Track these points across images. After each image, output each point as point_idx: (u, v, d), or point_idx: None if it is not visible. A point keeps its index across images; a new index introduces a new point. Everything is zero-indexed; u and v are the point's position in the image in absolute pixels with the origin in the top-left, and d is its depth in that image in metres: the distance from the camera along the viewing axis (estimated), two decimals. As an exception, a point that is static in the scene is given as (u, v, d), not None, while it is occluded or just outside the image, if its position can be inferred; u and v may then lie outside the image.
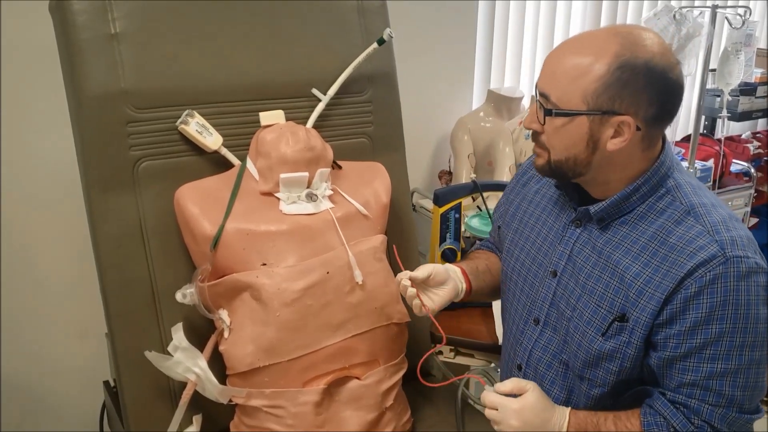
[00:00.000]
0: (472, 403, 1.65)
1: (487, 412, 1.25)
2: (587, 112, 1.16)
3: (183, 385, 1.43)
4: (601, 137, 1.18)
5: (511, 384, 1.24)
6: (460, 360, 1.93)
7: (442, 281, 1.39)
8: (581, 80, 1.15)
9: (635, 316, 1.20)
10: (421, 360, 1.43)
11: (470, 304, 2.02)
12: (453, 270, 1.43)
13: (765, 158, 3.28)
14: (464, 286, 1.43)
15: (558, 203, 1.37)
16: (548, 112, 1.19)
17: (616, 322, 1.22)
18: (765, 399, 1.61)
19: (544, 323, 1.35)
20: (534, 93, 1.24)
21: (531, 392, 1.23)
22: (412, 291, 1.35)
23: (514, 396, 1.24)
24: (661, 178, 1.23)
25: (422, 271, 1.36)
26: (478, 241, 2.17)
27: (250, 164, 1.52)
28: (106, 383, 1.81)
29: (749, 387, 1.17)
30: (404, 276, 1.35)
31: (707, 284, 1.13)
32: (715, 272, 1.13)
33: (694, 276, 1.14)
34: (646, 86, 1.14)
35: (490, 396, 1.25)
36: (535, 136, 1.26)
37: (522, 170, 1.52)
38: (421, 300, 1.36)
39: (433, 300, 1.38)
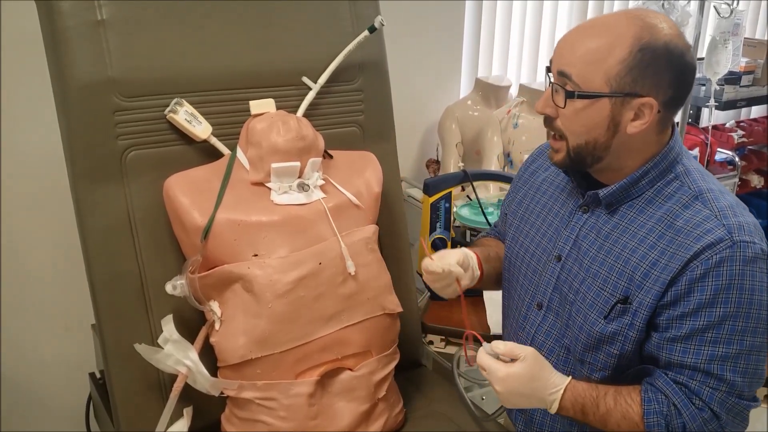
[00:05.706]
0: (462, 389, 1.64)
1: (480, 370, 1.24)
2: (610, 94, 1.16)
3: (173, 377, 1.41)
4: (621, 120, 1.18)
5: (504, 347, 1.21)
6: (451, 350, 1.93)
7: (466, 268, 1.37)
8: (603, 63, 1.15)
9: (639, 298, 1.20)
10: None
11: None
12: (470, 256, 1.41)
13: (749, 147, 3.30)
14: (477, 273, 1.41)
15: (565, 190, 1.37)
16: (570, 95, 1.18)
17: (619, 305, 1.22)
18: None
19: (547, 308, 1.35)
20: (547, 77, 1.23)
21: (521, 361, 1.20)
22: (458, 270, 1.32)
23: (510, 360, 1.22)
24: (671, 163, 1.24)
25: (454, 257, 1.34)
26: (469, 232, 2.17)
27: (240, 154, 1.49)
28: (92, 375, 1.79)
29: (749, 373, 1.18)
30: (451, 264, 1.32)
31: (713, 267, 1.14)
32: (722, 255, 1.14)
33: (701, 258, 1.15)
34: (666, 68, 1.15)
35: (482, 356, 1.23)
36: (549, 121, 1.24)
37: (530, 160, 1.51)
38: (459, 285, 1.34)
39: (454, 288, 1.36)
